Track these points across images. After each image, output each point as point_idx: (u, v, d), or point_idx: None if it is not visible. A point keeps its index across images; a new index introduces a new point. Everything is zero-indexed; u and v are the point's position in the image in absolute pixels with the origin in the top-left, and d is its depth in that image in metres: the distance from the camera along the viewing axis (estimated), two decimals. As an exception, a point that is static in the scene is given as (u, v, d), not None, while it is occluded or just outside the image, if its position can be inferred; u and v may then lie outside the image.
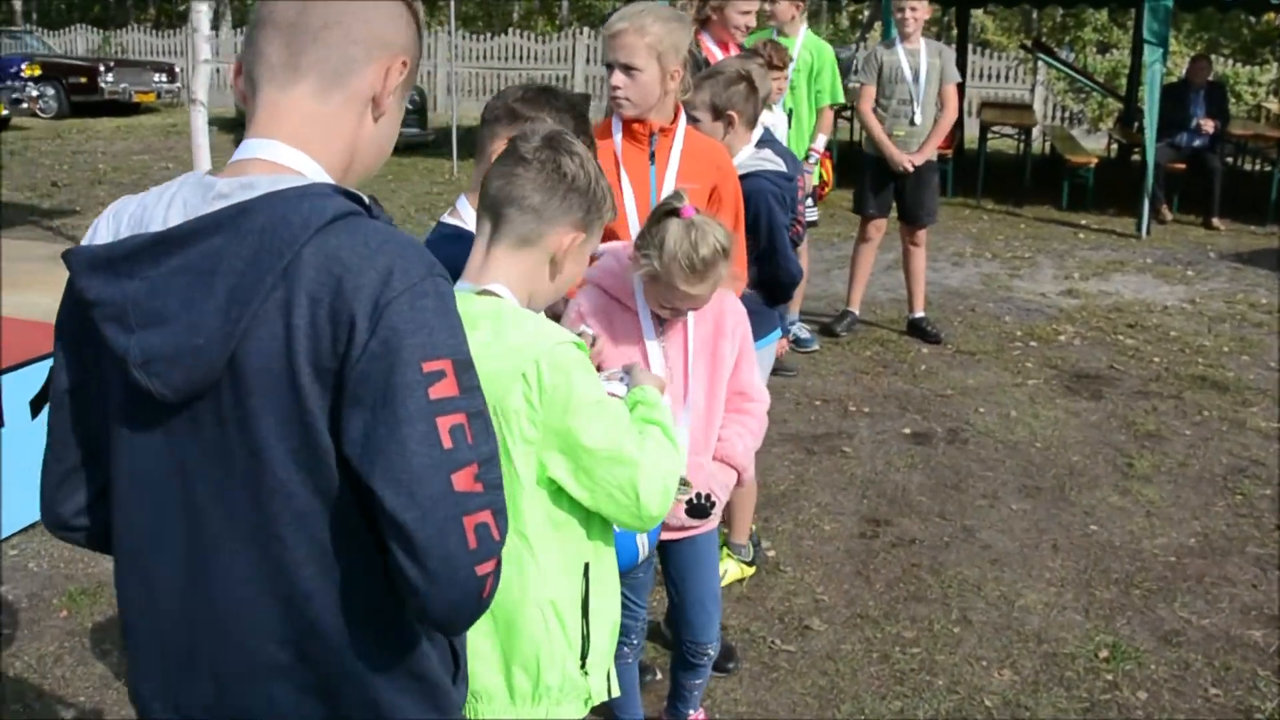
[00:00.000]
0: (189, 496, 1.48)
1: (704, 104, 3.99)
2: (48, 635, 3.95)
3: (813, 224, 7.18)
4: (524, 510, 2.06)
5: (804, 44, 6.92)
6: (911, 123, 7.22)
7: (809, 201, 6.93)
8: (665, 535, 3.02)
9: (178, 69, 22.16)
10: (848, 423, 6.08)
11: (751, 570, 4.47)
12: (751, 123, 4.06)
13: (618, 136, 3.43)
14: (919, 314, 7.63)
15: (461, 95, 21.44)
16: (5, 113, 17.74)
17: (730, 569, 4.39)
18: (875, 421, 6.11)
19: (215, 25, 27.53)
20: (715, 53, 5.51)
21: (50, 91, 19.84)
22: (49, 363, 4.84)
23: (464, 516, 1.38)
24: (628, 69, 3.27)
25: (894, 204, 7.48)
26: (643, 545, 2.77)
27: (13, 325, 5.47)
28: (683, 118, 3.51)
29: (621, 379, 2.37)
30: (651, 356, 2.91)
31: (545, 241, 2.10)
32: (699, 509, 2.98)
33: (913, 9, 7.06)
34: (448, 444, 1.38)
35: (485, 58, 22.62)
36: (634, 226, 3.39)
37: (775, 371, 6.60)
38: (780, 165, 4.13)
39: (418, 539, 1.36)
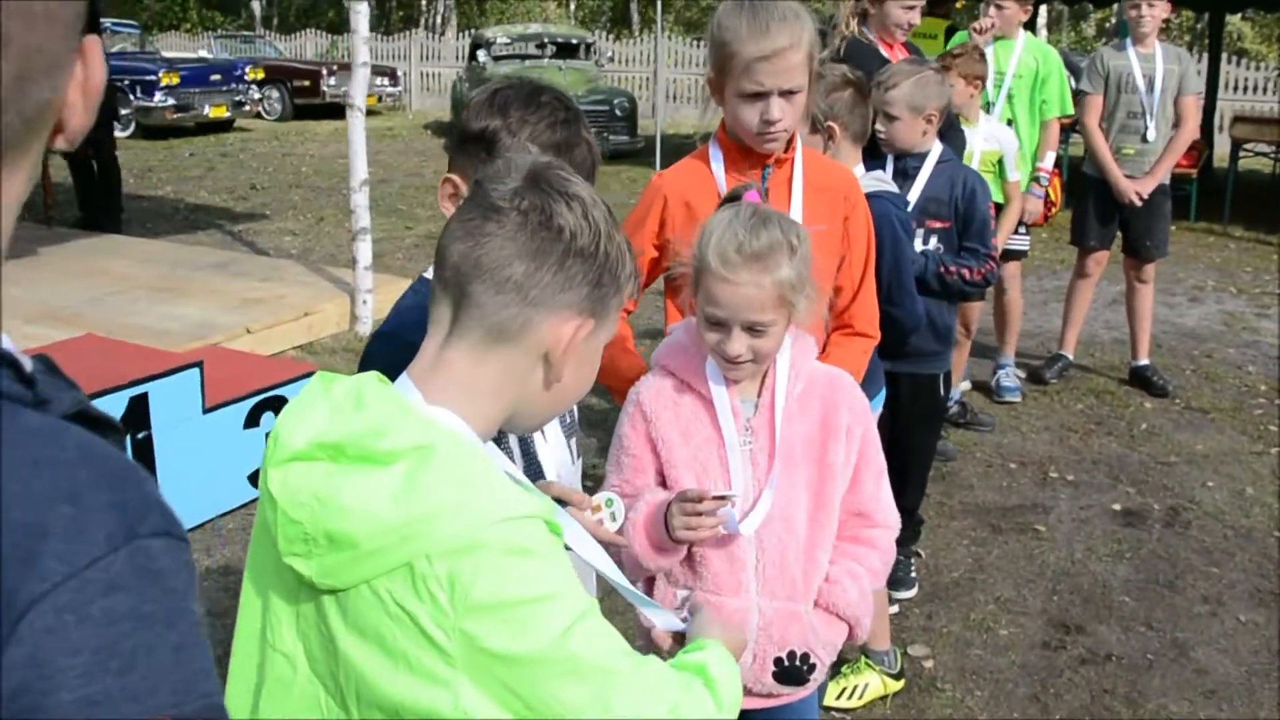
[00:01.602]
0: None
1: None
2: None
3: (1022, 254, 6.30)
4: None
5: (1025, 48, 6.06)
6: (1143, 139, 6.22)
7: (1021, 229, 6.08)
8: (748, 703, 2.31)
9: (400, 73, 22.47)
10: (1046, 493, 5.18)
11: (899, 685, 3.69)
12: (859, 137, 3.42)
13: (719, 171, 2.73)
14: (1143, 361, 6.61)
15: (679, 102, 21.00)
16: (228, 114, 18.21)
17: (870, 684, 3.63)
18: (1079, 493, 5.19)
19: (440, 30, 28.00)
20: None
21: (275, 94, 20.34)
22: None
23: None
24: (790, 94, 2.57)
25: (1119, 234, 6.49)
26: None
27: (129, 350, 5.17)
28: (799, 140, 2.80)
29: (685, 617, 1.70)
30: (733, 465, 2.20)
31: (533, 334, 1.40)
32: (792, 673, 2.25)
33: (1149, 5, 6.06)
34: None
35: (702, 65, 22.07)
36: None
37: (968, 425, 5.78)
38: (893, 187, 3.47)
39: None
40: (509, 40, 17.69)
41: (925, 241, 3.97)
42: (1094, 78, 6.30)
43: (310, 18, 32.10)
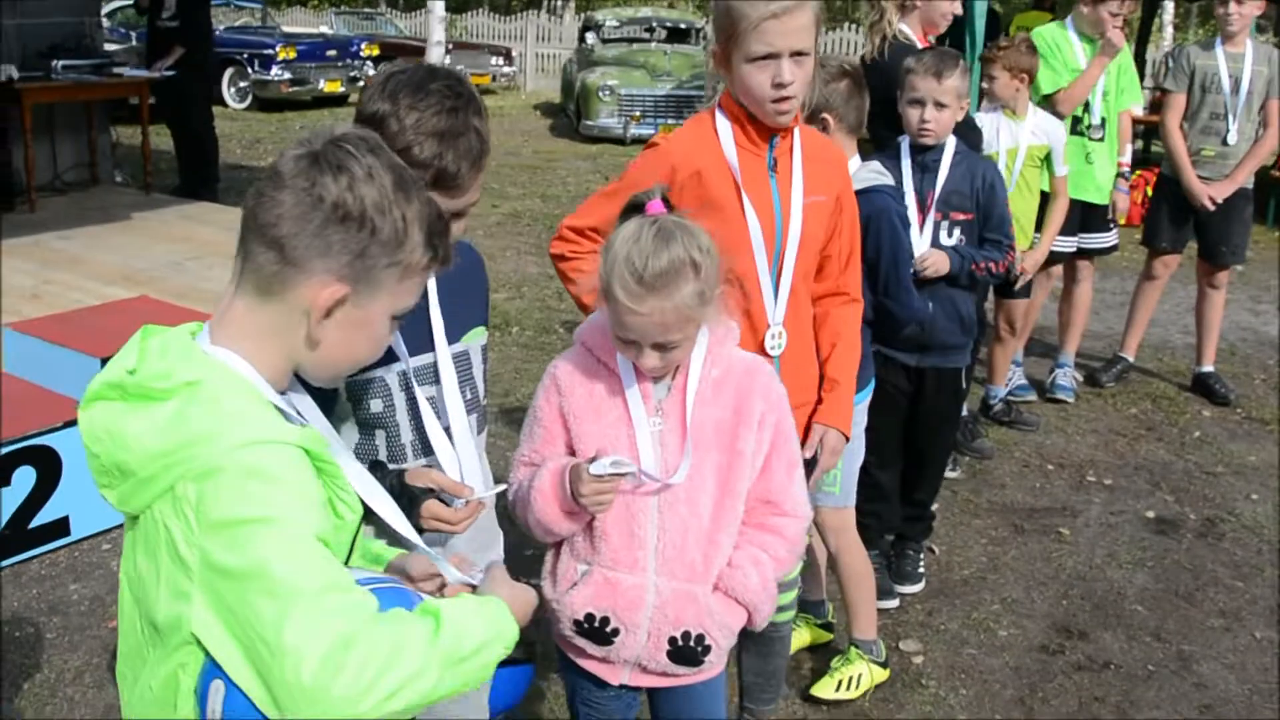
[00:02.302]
0: None
1: None
2: (84, 647, 3.70)
3: (1111, 249, 6.15)
4: None
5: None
6: (1224, 141, 6.00)
7: (1110, 225, 5.99)
8: (648, 681, 2.34)
9: (515, 53, 22.68)
10: (1079, 496, 5.08)
11: (884, 674, 3.67)
12: (854, 128, 3.39)
13: (728, 142, 2.70)
14: (1207, 368, 6.40)
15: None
16: (343, 90, 18.61)
17: (863, 673, 3.61)
18: (1114, 498, 5.07)
19: (559, 12, 28.17)
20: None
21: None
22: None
23: None
24: (800, 56, 2.55)
25: (1194, 237, 6.29)
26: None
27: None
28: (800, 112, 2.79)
29: (478, 574, 1.76)
30: (640, 445, 2.22)
31: (293, 292, 1.51)
32: (686, 653, 2.27)
33: (1238, 3, 5.84)
34: None
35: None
36: (762, 268, 2.71)
37: (1012, 424, 5.69)
38: (889, 179, 3.43)
39: None
40: (618, 23, 17.75)
41: (949, 234, 3.93)
42: (1178, 76, 6.11)
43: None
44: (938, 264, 3.86)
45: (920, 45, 4.48)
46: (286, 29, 20.99)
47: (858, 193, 3.30)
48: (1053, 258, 5.74)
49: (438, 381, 2.20)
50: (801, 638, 3.82)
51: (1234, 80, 5.93)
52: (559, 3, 30.03)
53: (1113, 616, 4.13)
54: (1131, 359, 6.58)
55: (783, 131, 2.71)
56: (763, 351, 2.75)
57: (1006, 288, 5.44)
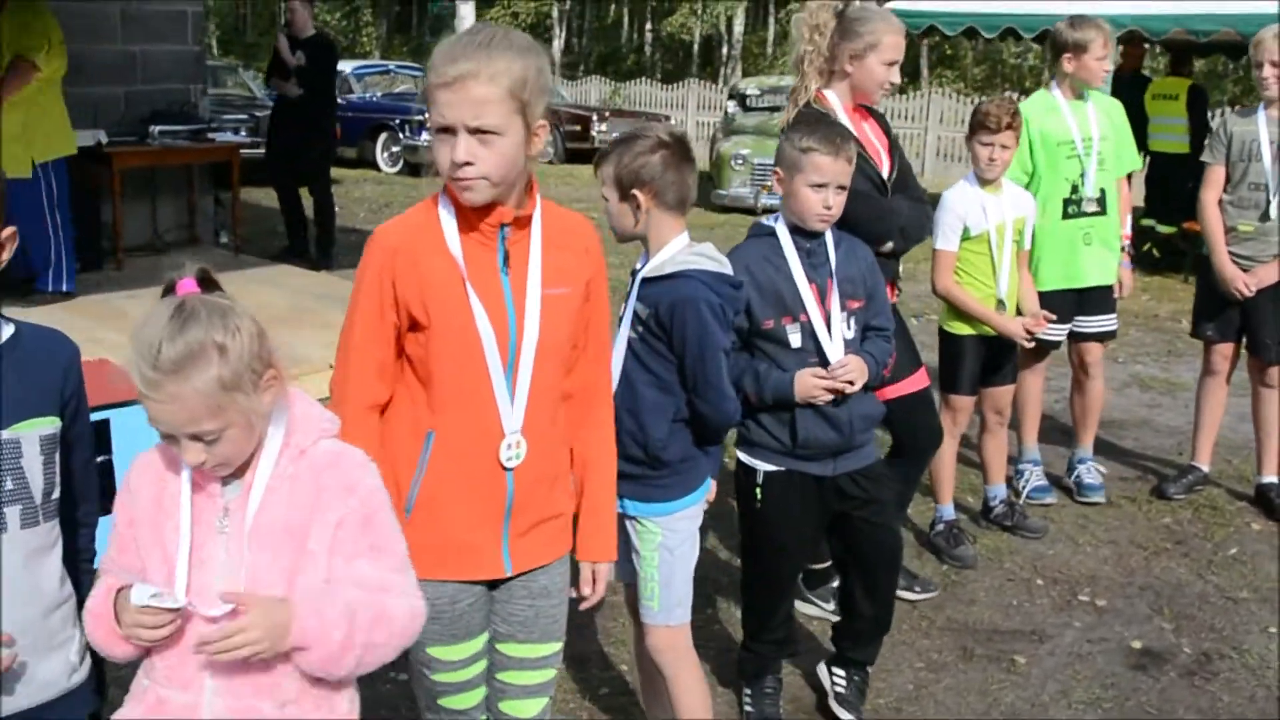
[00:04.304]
0: None
1: (608, 178, 3.01)
2: None
3: (1111, 335, 5.57)
4: None
5: (1097, 106, 5.34)
6: (1264, 217, 5.32)
7: (1113, 307, 5.46)
8: None
9: (673, 120, 22.73)
10: (1057, 619, 4.50)
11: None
12: (676, 205, 3.02)
13: (452, 235, 2.43)
14: (1269, 478, 5.63)
15: (949, 161, 20.22)
16: (495, 156, 18.95)
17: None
18: (1100, 622, 4.47)
19: (727, 80, 28.14)
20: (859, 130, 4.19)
21: (549, 138, 21.04)
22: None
23: None
24: (479, 132, 2.28)
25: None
26: None
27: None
28: (538, 194, 2.51)
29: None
30: (209, 550, 2.02)
31: None
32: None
33: (1274, 64, 5.22)
34: None
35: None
36: (495, 370, 2.45)
37: (1014, 530, 5.17)
38: (721, 265, 3.02)
39: None
40: (759, 92, 17.49)
41: (849, 326, 3.47)
42: (1215, 146, 5.48)
43: (608, 64, 33.11)
44: (859, 375, 3.36)
45: (844, 116, 4.05)
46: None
47: (665, 277, 3.00)
48: (1041, 346, 5.26)
49: None
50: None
51: (1276, 148, 5.27)
52: (726, 71, 30.08)
53: (1032, 767, 3.59)
54: (1206, 469, 5.82)
55: (516, 221, 2.43)
56: (498, 465, 2.46)
57: (988, 374, 4.95)
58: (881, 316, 3.53)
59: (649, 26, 36.88)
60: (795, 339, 3.37)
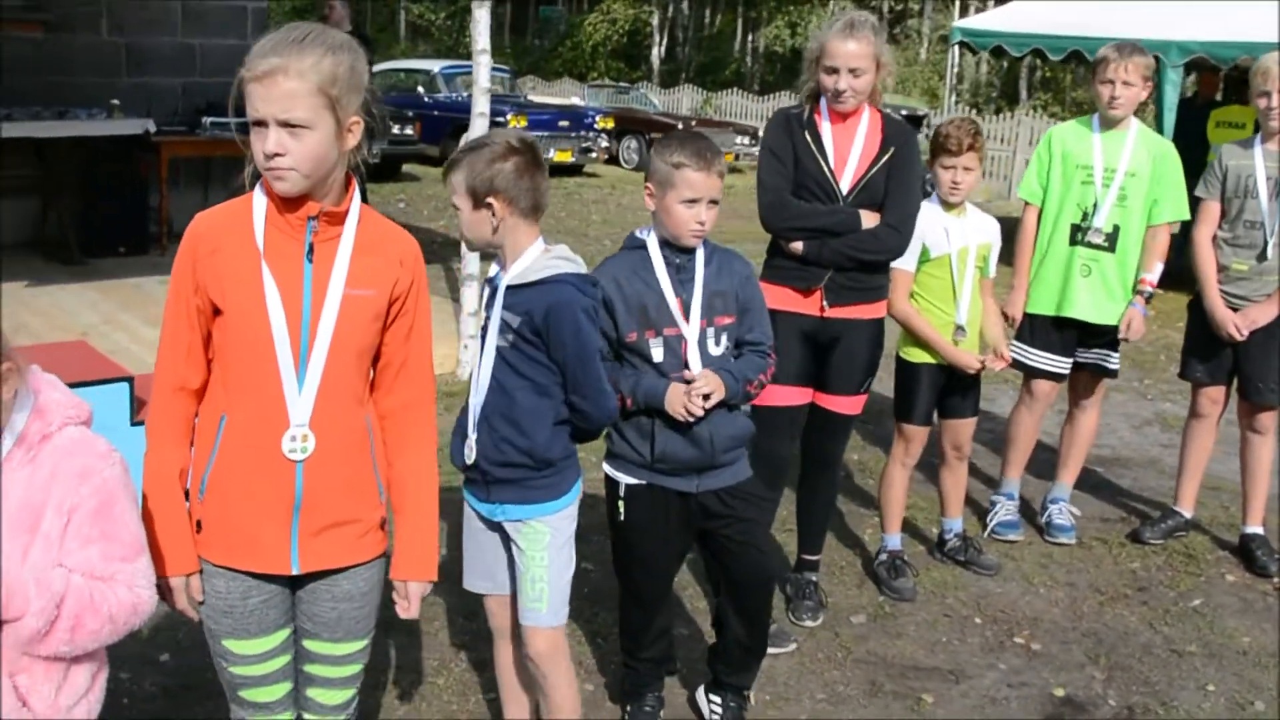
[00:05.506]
0: None
1: (460, 187, 2.99)
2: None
3: (1113, 373, 5.39)
4: None
5: (1139, 140, 5.15)
6: (1261, 256, 5.08)
7: (1116, 347, 5.28)
8: None
9: (762, 133, 22.62)
10: (983, 660, 4.35)
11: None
12: (531, 211, 2.99)
13: (259, 222, 2.49)
14: (1253, 528, 5.38)
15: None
16: (573, 159, 19.06)
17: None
18: (1027, 667, 4.32)
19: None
20: (825, 137, 4.20)
21: (633, 144, 21.11)
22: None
23: None
24: (289, 126, 2.33)
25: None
26: None
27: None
28: (356, 194, 2.54)
29: None
30: None
31: None
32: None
33: (1279, 94, 4.99)
34: None
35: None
36: (284, 359, 2.47)
37: (966, 565, 5.04)
38: (580, 265, 3.05)
39: None
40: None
41: (717, 342, 3.43)
42: (1210, 181, 5.25)
43: (708, 73, 33.06)
44: (714, 389, 3.31)
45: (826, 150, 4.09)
46: (534, 98, 21.76)
47: (536, 283, 2.98)
48: (1034, 375, 5.18)
49: None
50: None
51: (1273, 183, 5.03)
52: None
53: (900, 810, 3.48)
54: (1188, 515, 5.57)
55: (327, 215, 2.45)
56: (282, 455, 2.47)
57: (948, 405, 4.81)
58: (756, 331, 3.47)
59: (749, 38, 36.73)
60: (657, 353, 3.34)
